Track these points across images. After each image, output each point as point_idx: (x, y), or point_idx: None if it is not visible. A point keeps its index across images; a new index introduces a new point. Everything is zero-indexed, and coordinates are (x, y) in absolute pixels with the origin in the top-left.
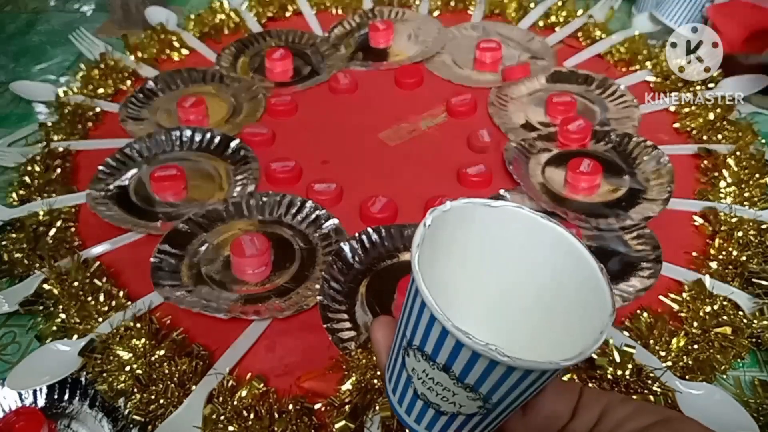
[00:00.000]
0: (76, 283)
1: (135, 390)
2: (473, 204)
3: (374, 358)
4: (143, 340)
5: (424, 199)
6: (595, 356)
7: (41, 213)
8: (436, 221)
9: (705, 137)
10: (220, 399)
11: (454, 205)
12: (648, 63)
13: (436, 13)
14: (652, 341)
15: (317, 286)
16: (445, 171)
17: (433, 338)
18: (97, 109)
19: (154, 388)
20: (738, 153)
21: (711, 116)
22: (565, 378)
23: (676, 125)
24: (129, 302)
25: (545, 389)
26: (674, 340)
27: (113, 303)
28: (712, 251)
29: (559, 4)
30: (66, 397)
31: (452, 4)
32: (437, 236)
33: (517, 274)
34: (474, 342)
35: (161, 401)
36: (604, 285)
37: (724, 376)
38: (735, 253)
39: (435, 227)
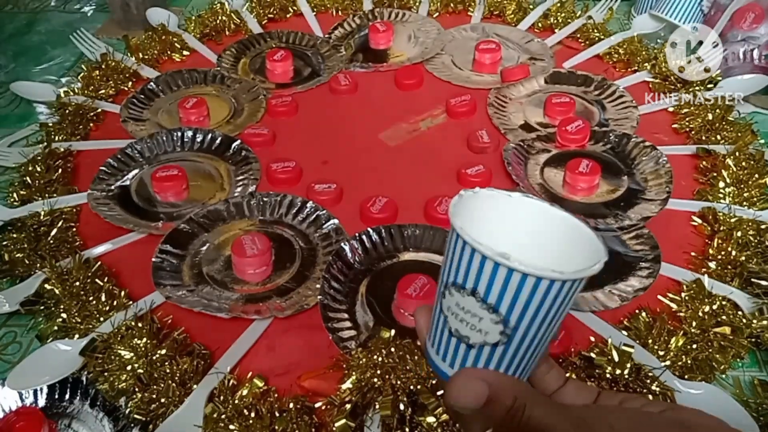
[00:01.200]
0: (77, 283)
1: (136, 389)
2: (497, 192)
3: (375, 356)
4: (144, 340)
5: (424, 199)
6: (594, 356)
7: (42, 213)
8: (465, 199)
9: (704, 137)
10: (221, 398)
11: (481, 191)
12: (647, 64)
13: (435, 15)
14: (651, 341)
15: (318, 286)
16: (445, 171)
17: (464, 266)
18: (98, 110)
19: (155, 387)
20: (737, 153)
21: (710, 116)
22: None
23: (675, 126)
24: (130, 302)
25: (567, 386)
26: (673, 340)
27: (114, 303)
28: (711, 251)
29: (558, 5)
30: (67, 396)
31: (452, 5)
32: (462, 213)
33: (529, 248)
34: (490, 251)
35: (162, 400)
36: (600, 245)
37: (724, 376)
38: (734, 253)
39: (462, 205)
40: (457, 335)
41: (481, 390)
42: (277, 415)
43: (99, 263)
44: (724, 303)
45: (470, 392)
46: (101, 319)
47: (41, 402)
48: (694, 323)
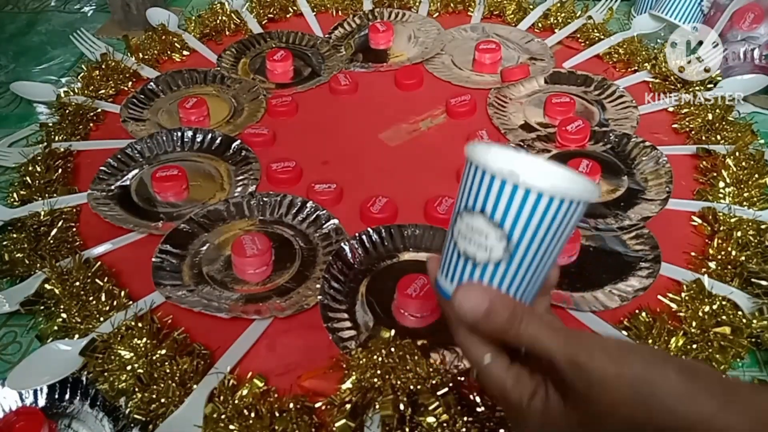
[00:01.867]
0: (77, 283)
1: (136, 389)
2: (507, 148)
3: (375, 356)
4: (144, 340)
5: (424, 200)
6: None
7: (42, 213)
8: (479, 145)
9: (704, 137)
10: (221, 398)
11: (493, 145)
12: (647, 64)
13: (435, 15)
14: (651, 341)
15: (318, 286)
16: (445, 171)
17: (475, 188)
18: (98, 110)
19: (155, 387)
20: (737, 153)
21: (710, 116)
22: None
23: (675, 126)
24: (130, 302)
25: None
26: (673, 340)
27: (114, 303)
28: (711, 251)
29: (558, 5)
30: (67, 396)
31: (452, 5)
32: (476, 150)
33: None
34: (498, 169)
35: (162, 400)
36: (598, 191)
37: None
38: (734, 253)
39: (476, 147)
40: (464, 255)
41: (481, 299)
42: (277, 415)
43: (99, 263)
44: (724, 303)
45: (472, 301)
46: (101, 319)
47: (41, 402)
48: (694, 323)
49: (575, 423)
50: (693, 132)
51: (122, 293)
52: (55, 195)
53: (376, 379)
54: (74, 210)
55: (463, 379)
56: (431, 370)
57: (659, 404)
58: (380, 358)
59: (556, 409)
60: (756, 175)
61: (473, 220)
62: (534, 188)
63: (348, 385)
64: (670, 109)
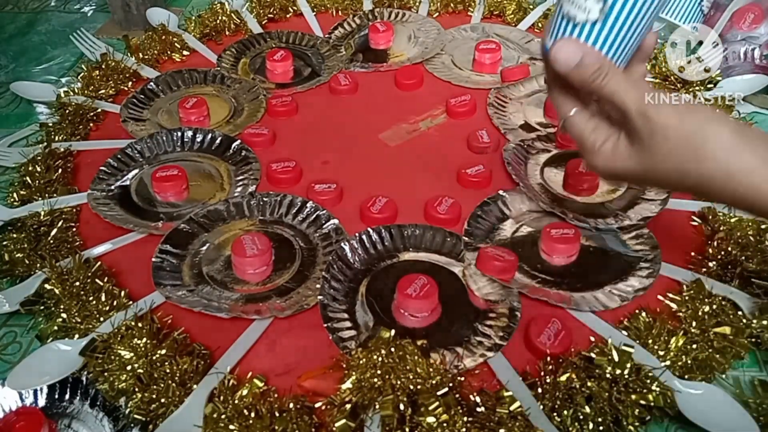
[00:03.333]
0: (77, 283)
1: (136, 389)
2: None
3: (375, 356)
4: (144, 340)
5: (424, 200)
6: (594, 356)
7: (42, 213)
8: None
9: None
10: (221, 398)
11: None
12: (647, 64)
13: (435, 15)
14: (651, 341)
15: (318, 286)
16: (445, 171)
17: None
18: (98, 110)
19: (155, 387)
20: None
21: None
22: (563, 378)
23: None
24: (130, 302)
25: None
26: (673, 340)
27: (114, 303)
28: (711, 251)
29: None
30: (67, 396)
31: (452, 5)
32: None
33: None
34: None
35: (162, 400)
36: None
37: (724, 376)
38: (734, 253)
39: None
40: (567, 17)
41: (574, 52)
42: (277, 415)
43: (99, 263)
44: (724, 303)
45: (566, 52)
46: (101, 319)
47: (41, 402)
48: (694, 323)
49: (636, 163)
50: None
51: (122, 293)
52: (55, 195)
53: (376, 379)
54: (74, 210)
55: (463, 378)
56: (431, 370)
57: (707, 152)
58: (380, 358)
59: (623, 151)
60: None
61: None
62: None
63: (348, 385)
64: None
